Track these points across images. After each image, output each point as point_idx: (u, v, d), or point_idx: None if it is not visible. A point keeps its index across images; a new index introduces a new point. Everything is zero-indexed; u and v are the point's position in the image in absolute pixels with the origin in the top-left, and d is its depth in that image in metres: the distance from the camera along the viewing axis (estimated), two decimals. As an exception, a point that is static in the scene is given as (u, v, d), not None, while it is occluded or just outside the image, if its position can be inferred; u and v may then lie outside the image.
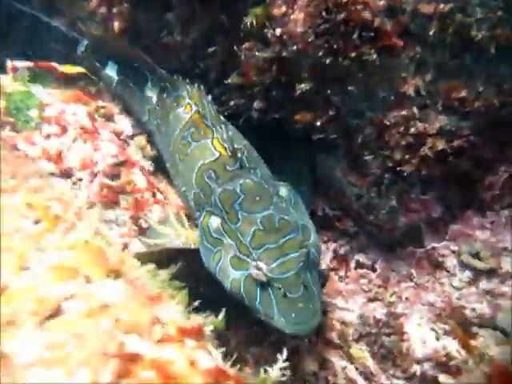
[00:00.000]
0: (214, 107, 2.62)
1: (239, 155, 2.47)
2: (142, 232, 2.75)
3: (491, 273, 2.50)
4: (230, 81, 2.47)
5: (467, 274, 2.54)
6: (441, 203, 2.55)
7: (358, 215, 2.80)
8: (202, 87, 2.68)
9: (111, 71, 3.33)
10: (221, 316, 1.57)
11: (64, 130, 2.87)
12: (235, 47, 2.41)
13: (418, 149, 2.25)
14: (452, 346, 2.56)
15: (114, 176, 2.85)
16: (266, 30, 2.25)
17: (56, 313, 1.06)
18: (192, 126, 2.70)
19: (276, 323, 2.11)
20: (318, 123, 2.40)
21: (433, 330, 2.63)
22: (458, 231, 2.56)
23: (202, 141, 2.61)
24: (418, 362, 2.62)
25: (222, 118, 2.66)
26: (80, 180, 2.84)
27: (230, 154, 2.48)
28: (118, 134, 3.04)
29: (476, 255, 2.51)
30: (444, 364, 2.58)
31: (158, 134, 3.03)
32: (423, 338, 2.63)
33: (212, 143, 2.58)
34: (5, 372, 0.92)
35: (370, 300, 2.87)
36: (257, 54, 2.32)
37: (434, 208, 2.57)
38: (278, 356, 1.72)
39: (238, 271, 2.20)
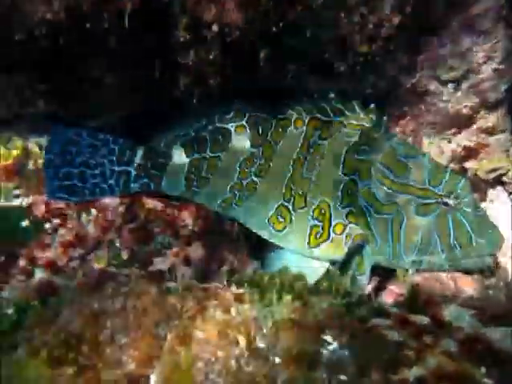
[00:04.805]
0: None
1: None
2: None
3: (467, 73, 2.79)
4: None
5: (450, 85, 2.83)
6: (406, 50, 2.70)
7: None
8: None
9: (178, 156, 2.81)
10: None
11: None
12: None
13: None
14: (464, 142, 3.00)
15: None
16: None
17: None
18: (314, 131, 2.66)
19: (477, 249, 2.36)
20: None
21: (444, 138, 3.02)
22: (426, 58, 2.76)
23: (336, 133, 2.64)
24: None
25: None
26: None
27: (371, 125, 2.62)
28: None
29: (450, 68, 2.76)
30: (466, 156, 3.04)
31: (260, 184, 2.73)
32: (440, 147, 3.01)
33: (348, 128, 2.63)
34: None
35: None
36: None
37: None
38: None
39: (426, 217, 2.40)
